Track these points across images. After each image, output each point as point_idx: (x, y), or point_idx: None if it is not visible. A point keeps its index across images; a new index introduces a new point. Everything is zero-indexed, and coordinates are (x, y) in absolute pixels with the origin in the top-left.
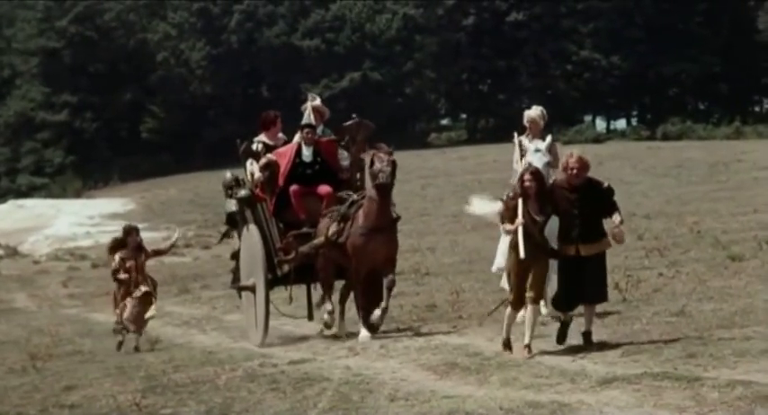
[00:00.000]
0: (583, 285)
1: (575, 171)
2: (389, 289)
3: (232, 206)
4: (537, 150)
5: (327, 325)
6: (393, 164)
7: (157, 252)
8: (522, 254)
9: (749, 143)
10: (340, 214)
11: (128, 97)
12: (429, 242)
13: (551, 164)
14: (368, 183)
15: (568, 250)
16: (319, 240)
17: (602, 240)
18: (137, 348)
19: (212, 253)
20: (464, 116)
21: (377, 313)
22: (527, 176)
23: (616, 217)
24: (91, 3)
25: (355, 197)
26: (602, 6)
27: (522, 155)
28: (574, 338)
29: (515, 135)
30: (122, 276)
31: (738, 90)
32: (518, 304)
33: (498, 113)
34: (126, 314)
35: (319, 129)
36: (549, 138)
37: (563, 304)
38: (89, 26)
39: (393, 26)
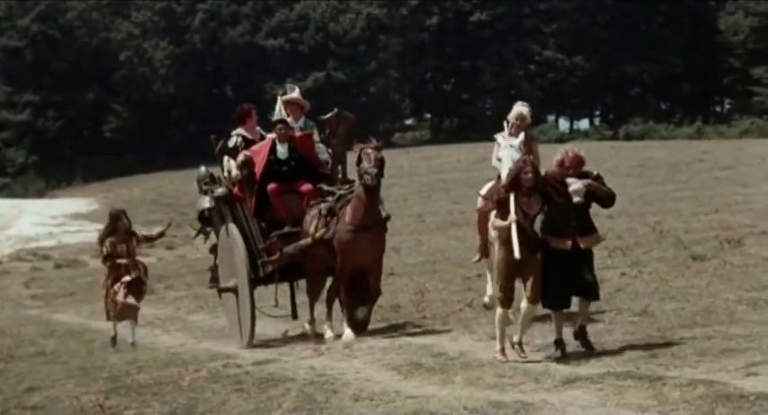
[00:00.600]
0: (579, 280)
1: (571, 171)
2: (373, 300)
3: (205, 203)
4: (510, 146)
5: (306, 334)
6: (381, 162)
7: (147, 238)
8: (516, 254)
9: (710, 143)
10: (327, 208)
11: (90, 96)
12: (393, 242)
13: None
14: (357, 180)
15: (565, 243)
16: (306, 241)
17: (596, 233)
18: (133, 344)
19: (177, 254)
20: (428, 116)
21: (361, 310)
22: (528, 168)
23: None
24: (53, 2)
25: (343, 191)
26: (565, 6)
27: None
28: (538, 337)
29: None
30: (120, 260)
31: (700, 90)
32: (508, 302)
33: (462, 113)
34: (118, 306)
35: (300, 122)
36: (521, 135)
37: (557, 301)
38: (51, 25)
39: (357, 26)
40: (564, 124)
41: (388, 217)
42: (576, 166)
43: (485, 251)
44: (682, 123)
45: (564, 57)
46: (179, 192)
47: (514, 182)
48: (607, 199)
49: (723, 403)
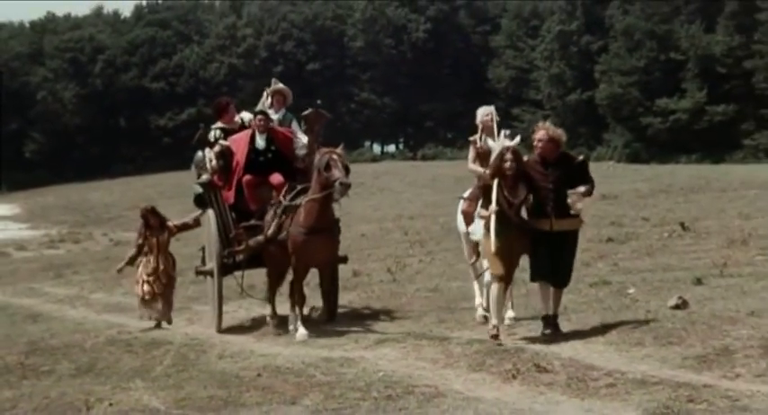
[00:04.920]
0: (552, 265)
1: (540, 143)
2: (328, 293)
3: (199, 187)
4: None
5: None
6: (348, 170)
7: (182, 227)
8: (492, 245)
9: None
10: (282, 207)
11: (13, 126)
12: None
13: None
14: (314, 184)
15: (543, 224)
16: (261, 238)
17: (575, 217)
18: (158, 325)
19: (81, 247)
20: None
21: (318, 309)
22: (508, 155)
23: (580, 188)
24: None
25: (299, 187)
26: (377, 60)
27: (480, 154)
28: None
29: (471, 138)
30: (140, 242)
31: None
32: (502, 281)
33: None
34: (162, 304)
35: (280, 114)
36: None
37: (541, 275)
38: None
39: (221, 72)
40: (377, 148)
41: (337, 220)
42: (546, 141)
43: (477, 250)
44: (462, 148)
45: (376, 98)
46: (83, 199)
47: (498, 170)
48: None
49: (492, 356)
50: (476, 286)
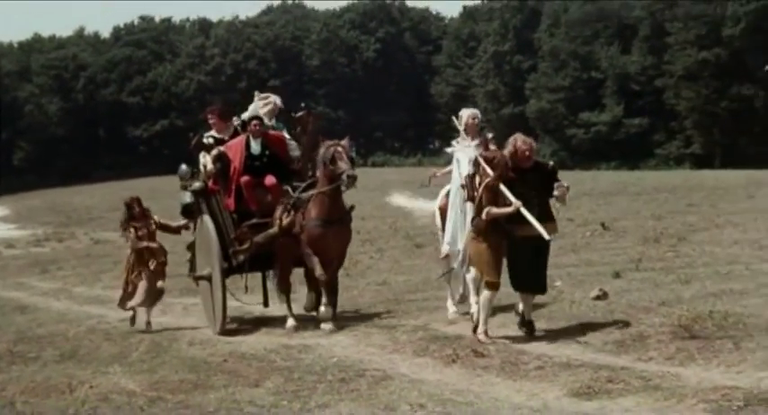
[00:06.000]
0: (529, 272)
1: (527, 153)
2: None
3: (186, 197)
4: (467, 146)
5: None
6: (353, 161)
7: (164, 226)
8: (545, 234)
9: (426, 168)
10: (291, 202)
11: (4, 136)
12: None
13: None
14: (321, 177)
15: (523, 229)
16: (274, 230)
17: (552, 222)
18: (148, 324)
19: (65, 245)
20: None
21: (322, 310)
22: (525, 152)
23: (564, 182)
24: None
25: (302, 185)
26: (331, 77)
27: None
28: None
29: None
30: (151, 244)
31: (420, 134)
32: (496, 287)
33: None
34: (140, 291)
35: (272, 122)
36: (477, 140)
37: (522, 285)
38: None
39: (191, 88)
40: None
41: (352, 208)
42: (531, 151)
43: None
44: (409, 156)
45: (331, 111)
46: (66, 202)
47: (506, 169)
48: None
49: (435, 342)
50: (449, 287)
